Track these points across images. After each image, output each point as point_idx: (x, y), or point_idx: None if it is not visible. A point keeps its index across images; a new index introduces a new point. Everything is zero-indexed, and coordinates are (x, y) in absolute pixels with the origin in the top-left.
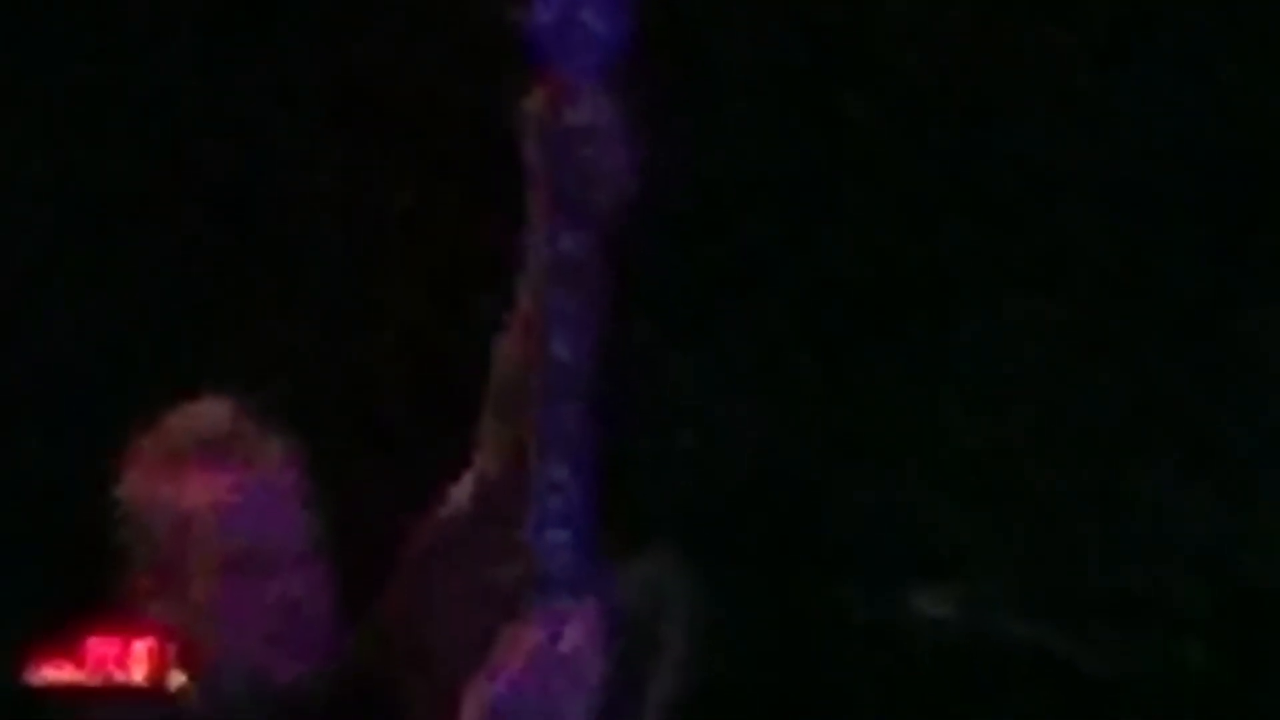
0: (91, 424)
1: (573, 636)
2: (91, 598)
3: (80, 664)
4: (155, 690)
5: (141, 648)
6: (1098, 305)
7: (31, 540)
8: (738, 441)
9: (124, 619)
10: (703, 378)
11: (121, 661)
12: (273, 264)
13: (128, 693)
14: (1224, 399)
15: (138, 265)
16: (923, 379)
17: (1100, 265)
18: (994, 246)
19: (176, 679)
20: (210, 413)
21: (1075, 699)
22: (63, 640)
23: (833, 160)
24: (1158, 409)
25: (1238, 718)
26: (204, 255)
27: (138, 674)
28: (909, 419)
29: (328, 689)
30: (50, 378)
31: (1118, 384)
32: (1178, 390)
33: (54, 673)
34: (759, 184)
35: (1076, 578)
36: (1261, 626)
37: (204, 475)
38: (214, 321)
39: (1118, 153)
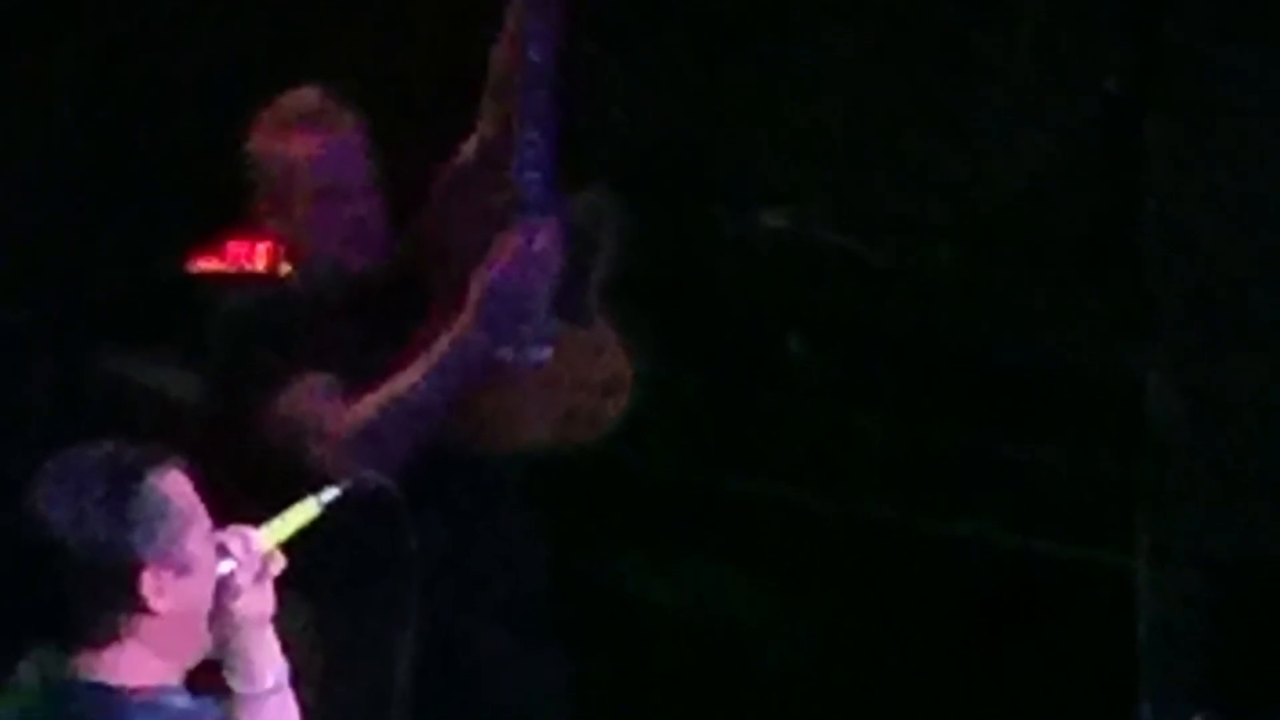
0: (231, 105)
1: (542, 241)
2: (231, 215)
3: (222, 258)
4: (271, 275)
5: (263, 248)
6: (885, 29)
7: (193, 179)
8: (648, 118)
9: (251, 229)
10: (626, 75)
11: (250, 256)
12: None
13: (253, 277)
14: (969, 90)
15: (258, 9)
16: (772, 76)
17: (888, 3)
18: None
19: (285, 268)
20: (307, 96)
21: (866, 283)
22: (211, 243)
23: None
24: (922, 96)
25: (972, 295)
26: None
27: (260, 265)
28: (762, 101)
29: (383, 276)
30: (205, 78)
31: (896, 79)
32: (937, 83)
33: (205, 264)
34: None
35: (868, 202)
36: (987, 234)
37: (302, 136)
38: (308, 41)
39: None
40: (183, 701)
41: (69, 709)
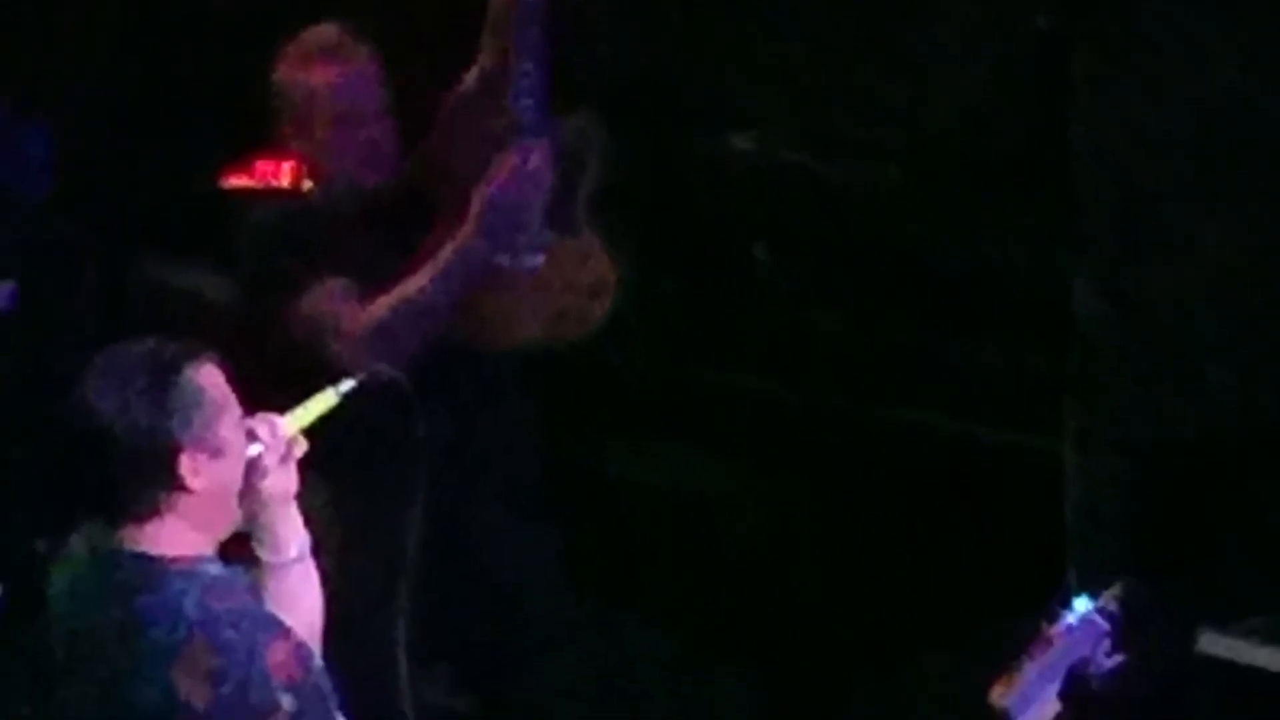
0: (259, 39)
1: (535, 160)
2: (259, 137)
3: (251, 175)
4: (294, 191)
5: (287, 166)
6: None
7: (225, 105)
8: (631, 51)
9: (277, 150)
10: (611, 12)
11: (275, 174)
12: None
13: (278, 192)
14: (916, 27)
15: None
16: (742, 14)
17: None
18: None
19: (307, 184)
20: (326, 31)
21: (824, 198)
22: (241, 163)
23: None
24: (874, 32)
25: (918, 209)
26: None
27: (285, 181)
28: (733, 37)
29: (394, 192)
30: (236, 16)
31: (852, 17)
32: (887, 21)
33: (236, 181)
34: None
35: (825, 127)
36: (931, 155)
37: (323, 66)
38: None
39: None
40: (216, 569)
41: (115, 576)
